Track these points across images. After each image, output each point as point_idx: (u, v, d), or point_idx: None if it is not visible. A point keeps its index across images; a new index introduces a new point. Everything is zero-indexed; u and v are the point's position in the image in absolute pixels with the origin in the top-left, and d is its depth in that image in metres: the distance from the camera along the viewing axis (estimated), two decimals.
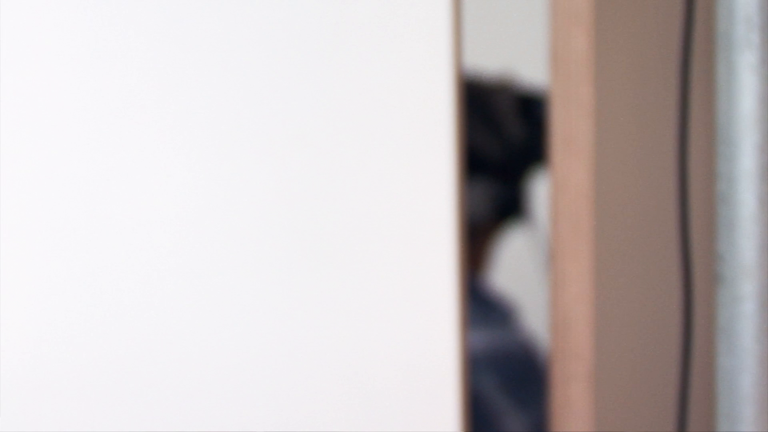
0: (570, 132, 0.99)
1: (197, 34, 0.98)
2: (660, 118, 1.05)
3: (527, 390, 1.54)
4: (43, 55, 0.97)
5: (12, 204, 0.98)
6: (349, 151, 0.99)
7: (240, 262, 1.00)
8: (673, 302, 0.97)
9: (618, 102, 1.03)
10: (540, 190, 1.67)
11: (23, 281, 0.99)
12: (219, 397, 1.01)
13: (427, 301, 1.00)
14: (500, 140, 1.61)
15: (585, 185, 1.00)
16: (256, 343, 1.01)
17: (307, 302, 1.00)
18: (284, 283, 1.00)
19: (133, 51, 0.98)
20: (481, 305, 1.62)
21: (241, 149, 0.99)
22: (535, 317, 1.74)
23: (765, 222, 0.89)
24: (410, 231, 1.00)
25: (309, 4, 0.98)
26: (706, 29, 0.95)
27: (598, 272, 1.01)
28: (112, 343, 1.00)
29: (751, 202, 0.89)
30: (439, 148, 0.99)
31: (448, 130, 0.98)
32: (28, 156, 0.98)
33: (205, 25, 0.98)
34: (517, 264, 1.87)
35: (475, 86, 1.65)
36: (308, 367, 1.01)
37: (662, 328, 1.07)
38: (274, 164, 0.99)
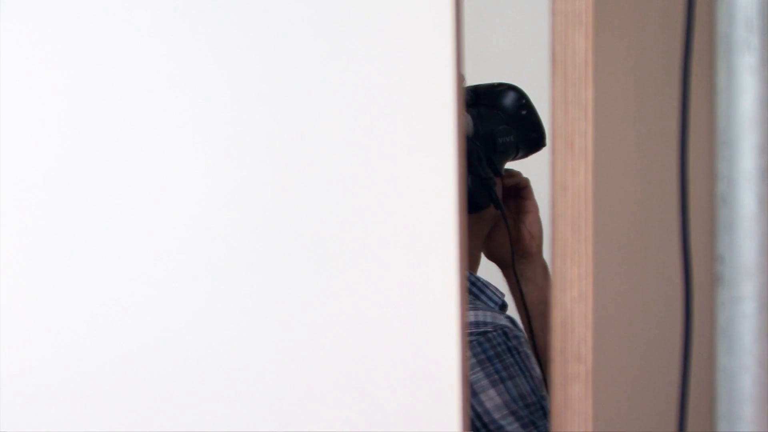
0: (570, 132, 0.99)
1: (200, 35, 0.98)
2: (660, 118, 1.05)
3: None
4: (48, 56, 0.97)
5: (13, 204, 0.98)
6: (351, 151, 0.99)
7: (242, 262, 1.00)
8: (673, 302, 0.97)
9: (618, 102, 1.03)
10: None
11: (24, 282, 0.99)
12: (221, 397, 1.01)
13: (429, 301, 1.00)
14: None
15: (585, 186, 1.00)
16: (258, 343, 1.01)
17: (310, 302, 1.00)
18: (287, 283, 1.00)
19: (135, 51, 0.98)
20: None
21: (244, 149, 0.99)
22: None
23: (765, 223, 0.89)
24: (412, 231, 1.00)
25: (312, 4, 0.98)
26: (706, 31, 0.95)
27: (598, 273, 1.01)
28: (113, 343, 1.00)
29: (751, 203, 0.89)
30: (440, 149, 0.99)
31: (450, 130, 0.99)
32: (30, 156, 0.98)
33: (208, 25, 0.98)
34: None
35: None
36: (310, 366, 1.01)
37: (662, 328, 1.07)
38: (277, 164, 0.99)
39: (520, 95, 1.69)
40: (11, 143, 0.98)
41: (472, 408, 1.53)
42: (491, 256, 1.74)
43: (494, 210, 1.66)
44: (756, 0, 0.88)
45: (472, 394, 1.54)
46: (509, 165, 1.71)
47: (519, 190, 1.71)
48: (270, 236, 1.00)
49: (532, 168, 1.69)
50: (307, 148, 0.99)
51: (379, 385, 1.02)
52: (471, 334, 1.54)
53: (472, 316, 1.56)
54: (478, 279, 1.66)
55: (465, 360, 1.01)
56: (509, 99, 1.68)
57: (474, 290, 1.64)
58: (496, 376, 1.54)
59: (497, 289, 1.66)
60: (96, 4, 0.97)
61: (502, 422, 1.53)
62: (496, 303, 1.63)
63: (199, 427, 1.01)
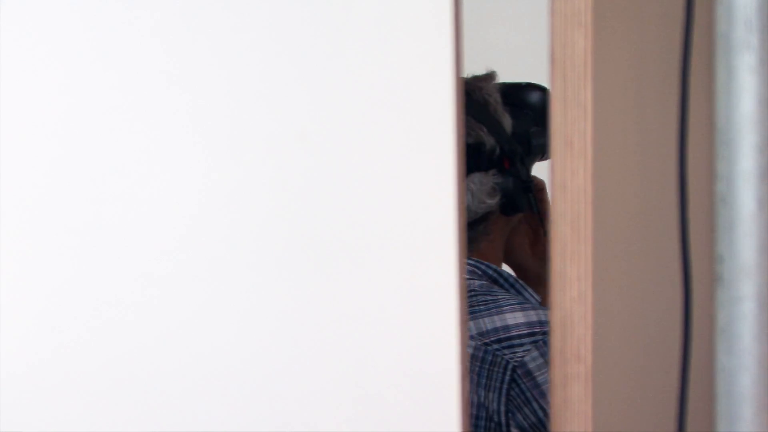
0: (570, 132, 0.99)
1: (200, 35, 0.98)
2: (660, 118, 1.05)
3: None
4: (48, 56, 0.97)
5: (14, 204, 0.98)
6: (351, 151, 1.00)
7: (242, 262, 1.00)
8: (673, 302, 0.97)
9: (618, 102, 1.04)
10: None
11: (24, 282, 0.99)
12: (221, 397, 1.01)
13: (429, 301, 1.00)
14: (495, 131, 1.62)
15: (585, 186, 1.00)
16: (258, 342, 1.01)
17: (310, 302, 1.00)
18: (286, 283, 1.00)
19: (135, 51, 0.98)
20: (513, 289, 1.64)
21: (244, 149, 0.99)
22: None
23: (764, 222, 0.89)
24: (412, 231, 1.00)
25: (312, 4, 0.98)
26: (705, 30, 0.95)
27: (597, 273, 1.01)
28: (114, 343, 1.00)
29: (751, 203, 0.89)
30: (440, 148, 0.99)
31: (450, 130, 0.99)
32: (30, 156, 0.98)
33: (208, 25, 0.98)
34: None
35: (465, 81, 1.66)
36: (310, 366, 1.01)
37: (662, 328, 1.07)
38: (277, 164, 0.99)
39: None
40: (11, 143, 0.98)
41: (542, 409, 1.53)
42: (507, 259, 1.74)
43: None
44: (755, 0, 0.88)
45: (540, 395, 1.53)
46: None
47: (535, 193, 1.70)
48: (270, 236, 1.00)
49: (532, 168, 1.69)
50: (307, 148, 0.99)
51: (379, 385, 1.02)
52: (536, 333, 1.54)
53: (533, 316, 1.55)
54: (517, 281, 1.65)
55: (465, 360, 1.01)
56: (538, 98, 1.67)
57: (512, 292, 1.64)
58: None
59: (534, 292, 1.66)
60: (96, 4, 0.97)
61: None
62: None
63: (199, 427, 1.01)
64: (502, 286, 1.63)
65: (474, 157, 1.61)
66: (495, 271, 1.64)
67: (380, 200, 1.00)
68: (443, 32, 0.97)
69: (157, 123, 0.98)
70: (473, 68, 1.68)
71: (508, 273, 1.66)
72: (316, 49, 0.98)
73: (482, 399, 1.55)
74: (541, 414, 1.53)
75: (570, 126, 0.99)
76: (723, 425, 0.90)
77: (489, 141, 1.61)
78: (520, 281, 1.65)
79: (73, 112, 0.98)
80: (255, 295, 1.00)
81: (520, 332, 1.54)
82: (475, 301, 1.59)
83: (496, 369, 1.55)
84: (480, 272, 1.63)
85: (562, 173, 1.00)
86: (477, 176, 1.62)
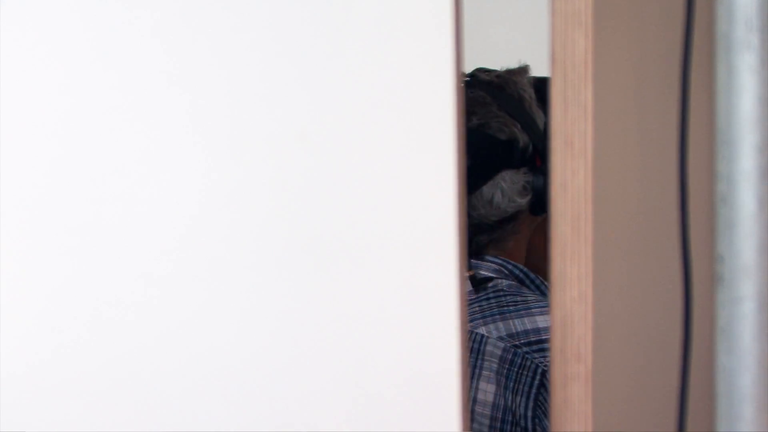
0: (570, 132, 0.99)
1: (200, 35, 0.98)
2: (660, 118, 1.05)
3: None
4: (48, 56, 0.97)
5: (14, 204, 0.98)
6: (351, 151, 1.00)
7: (242, 262, 1.00)
8: (673, 302, 0.97)
9: (618, 102, 1.04)
10: None
11: (24, 282, 0.99)
12: (221, 397, 1.01)
13: (429, 301, 1.00)
14: (528, 127, 1.60)
15: (585, 186, 1.00)
16: (258, 342, 1.01)
17: (310, 302, 1.00)
18: (286, 283, 1.00)
19: (135, 51, 0.98)
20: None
21: (244, 149, 0.99)
22: None
23: (764, 222, 0.89)
24: (412, 231, 1.00)
25: (312, 4, 0.98)
26: (706, 30, 0.95)
27: (597, 273, 1.01)
28: (114, 343, 1.00)
29: (751, 203, 0.89)
30: (440, 148, 0.99)
31: (450, 130, 0.99)
32: (30, 156, 0.98)
33: (208, 25, 0.98)
34: None
35: (499, 77, 1.64)
36: (310, 366, 1.01)
37: (662, 328, 1.07)
38: (277, 164, 0.99)
39: None
40: (11, 143, 0.98)
41: None
42: (526, 261, 1.71)
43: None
44: (755, 0, 0.88)
45: None
46: None
47: None
48: (270, 236, 1.00)
49: None
50: (307, 148, 0.99)
51: (379, 385, 1.02)
52: None
53: None
54: (543, 282, 1.64)
55: (465, 360, 1.01)
56: None
57: (538, 293, 1.62)
58: None
59: None
60: (96, 4, 0.97)
61: None
62: None
63: (200, 427, 1.01)
64: (528, 287, 1.61)
65: (506, 155, 1.58)
66: (522, 271, 1.62)
67: (380, 200, 1.00)
68: (443, 32, 0.97)
69: (157, 123, 0.98)
70: (473, 67, 1.68)
71: (534, 274, 1.64)
72: (316, 49, 0.98)
73: (509, 402, 1.52)
74: None
75: (570, 126, 0.99)
76: (723, 425, 0.90)
77: (523, 138, 1.59)
78: (546, 283, 1.64)
79: (73, 112, 0.98)
80: (255, 295, 1.00)
81: None
82: (504, 302, 1.57)
83: (525, 372, 1.52)
84: (507, 272, 1.61)
85: (562, 173, 1.00)
86: (508, 174, 1.59)
